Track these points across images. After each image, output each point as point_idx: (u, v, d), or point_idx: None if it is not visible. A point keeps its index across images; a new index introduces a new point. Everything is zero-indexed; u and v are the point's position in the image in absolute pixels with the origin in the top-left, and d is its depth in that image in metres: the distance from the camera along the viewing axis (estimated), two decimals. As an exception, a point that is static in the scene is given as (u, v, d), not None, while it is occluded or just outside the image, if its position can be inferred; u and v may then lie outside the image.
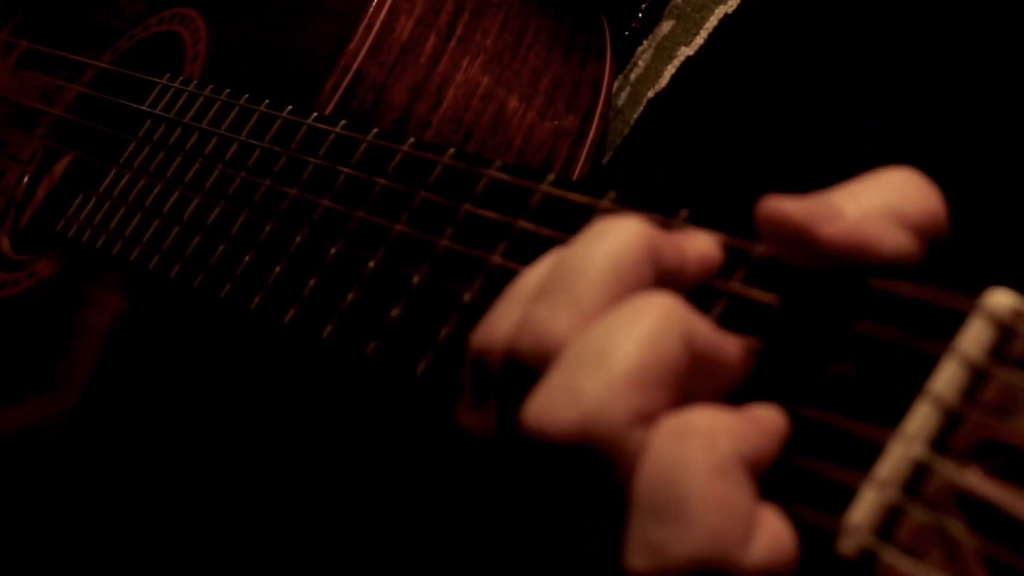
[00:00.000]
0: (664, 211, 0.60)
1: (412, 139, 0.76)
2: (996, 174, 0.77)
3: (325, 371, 0.89)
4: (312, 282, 0.75)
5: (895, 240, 0.52)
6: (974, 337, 0.48)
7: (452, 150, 0.73)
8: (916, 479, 0.47)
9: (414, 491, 0.90)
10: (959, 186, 0.57)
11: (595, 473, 0.51)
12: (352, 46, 0.92)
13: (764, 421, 0.51)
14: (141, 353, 0.92)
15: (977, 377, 0.47)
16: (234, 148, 0.88)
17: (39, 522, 0.94)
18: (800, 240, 0.53)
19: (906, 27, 0.82)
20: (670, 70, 0.95)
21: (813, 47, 0.86)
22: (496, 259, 0.66)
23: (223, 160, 0.88)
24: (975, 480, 0.46)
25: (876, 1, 0.85)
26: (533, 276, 0.58)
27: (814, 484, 0.50)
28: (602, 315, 0.53)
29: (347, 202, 0.76)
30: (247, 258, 0.80)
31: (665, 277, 0.55)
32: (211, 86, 0.95)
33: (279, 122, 0.86)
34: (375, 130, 0.79)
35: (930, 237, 0.53)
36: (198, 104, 0.94)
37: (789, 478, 0.50)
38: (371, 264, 0.72)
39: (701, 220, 0.59)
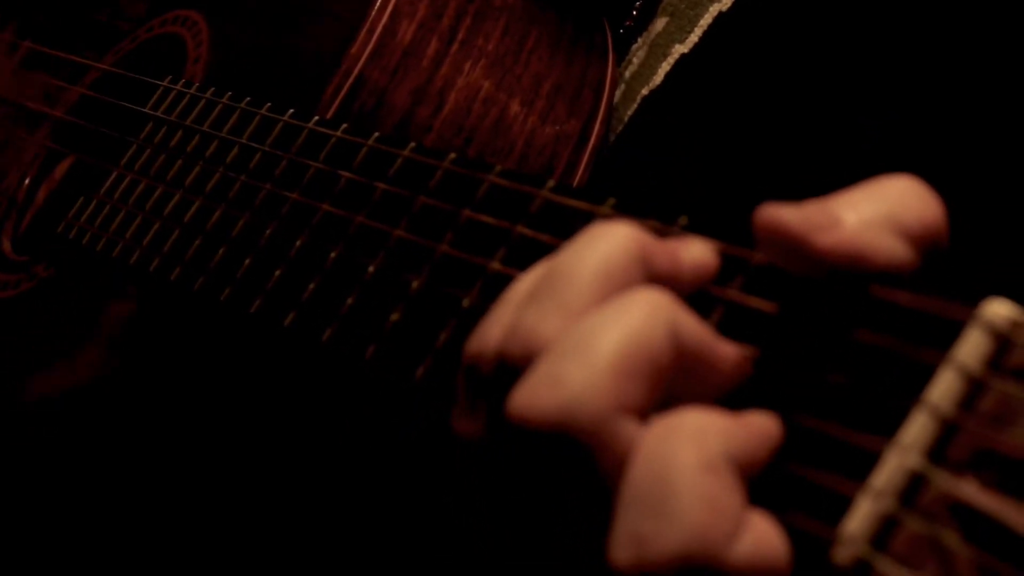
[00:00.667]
0: (663, 218, 0.60)
1: (413, 144, 0.76)
2: (995, 174, 0.76)
3: (324, 368, 0.89)
4: (312, 286, 0.75)
5: (892, 250, 0.52)
6: (971, 347, 0.48)
7: (453, 155, 0.73)
8: (912, 489, 0.47)
9: (414, 484, 0.90)
10: (955, 188, 0.57)
11: (577, 461, 0.51)
12: (354, 49, 0.92)
13: (756, 425, 0.51)
14: (141, 354, 0.92)
15: (974, 387, 0.47)
16: (235, 151, 0.88)
17: (37, 530, 0.94)
18: (797, 249, 0.53)
19: (902, 25, 0.82)
20: (664, 67, 0.95)
21: (808, 44, 0.86)
22: (495, 265, 0.66)
23: (224, 163, 0.88)
24: (971, 491, 0.46)
25: None
26: (525, 282, 0.58)
27: (810, 492, 0.49)
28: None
29: (347, 206, 0.76)
30: (247, 261, 0.80)
31: (657, 282, 0.55)
32: (213, 89, 0.95)
33: (280, 126, 0.86)
34: (376, 134, 0.79)
35: (928, 247, 0.53)
36: (199, 107, 0.94)
37: (784, 486, 0.50)
38: (371, 269, 0.72)
39: (700, 227, 0.59)
